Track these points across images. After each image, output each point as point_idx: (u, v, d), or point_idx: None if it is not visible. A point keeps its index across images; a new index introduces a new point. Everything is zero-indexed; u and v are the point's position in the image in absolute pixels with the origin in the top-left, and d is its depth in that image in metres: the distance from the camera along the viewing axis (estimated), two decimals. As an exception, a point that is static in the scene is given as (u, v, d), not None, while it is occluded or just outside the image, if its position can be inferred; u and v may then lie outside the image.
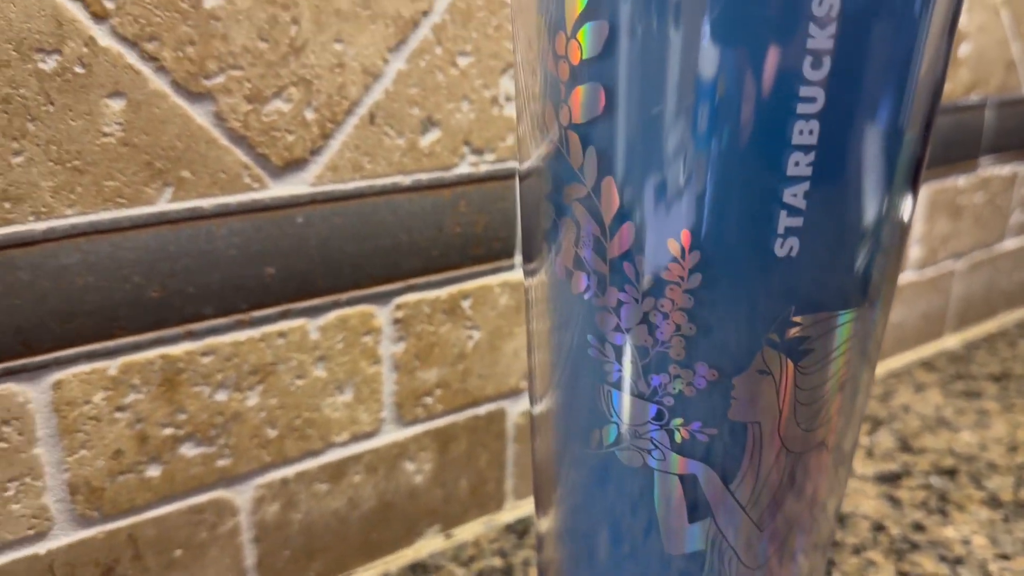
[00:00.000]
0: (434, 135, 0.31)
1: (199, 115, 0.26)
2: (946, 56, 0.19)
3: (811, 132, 0.18)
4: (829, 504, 0.23)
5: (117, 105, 0.25)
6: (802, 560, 0.24)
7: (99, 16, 0.24)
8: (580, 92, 0.19)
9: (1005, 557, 0.35)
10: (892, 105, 0.18)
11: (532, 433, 0.25)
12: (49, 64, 0.24)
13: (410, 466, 0.34)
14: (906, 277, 0.50)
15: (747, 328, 0.19)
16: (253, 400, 0.30)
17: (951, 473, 0.41)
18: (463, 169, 0.32)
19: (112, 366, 0.27)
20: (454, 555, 0.35)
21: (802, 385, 0.20)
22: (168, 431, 0.28)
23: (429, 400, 0.34)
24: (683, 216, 0.19)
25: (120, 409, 0.27)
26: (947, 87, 0.47)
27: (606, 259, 0.20)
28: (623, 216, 0.19)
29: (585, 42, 0.18)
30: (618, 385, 0.21)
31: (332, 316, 0.30)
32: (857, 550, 0.36)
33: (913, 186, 0.20)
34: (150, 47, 0.25)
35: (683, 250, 0.19)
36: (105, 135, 0.25)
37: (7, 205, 0.24)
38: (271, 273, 0.29)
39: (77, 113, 0.24)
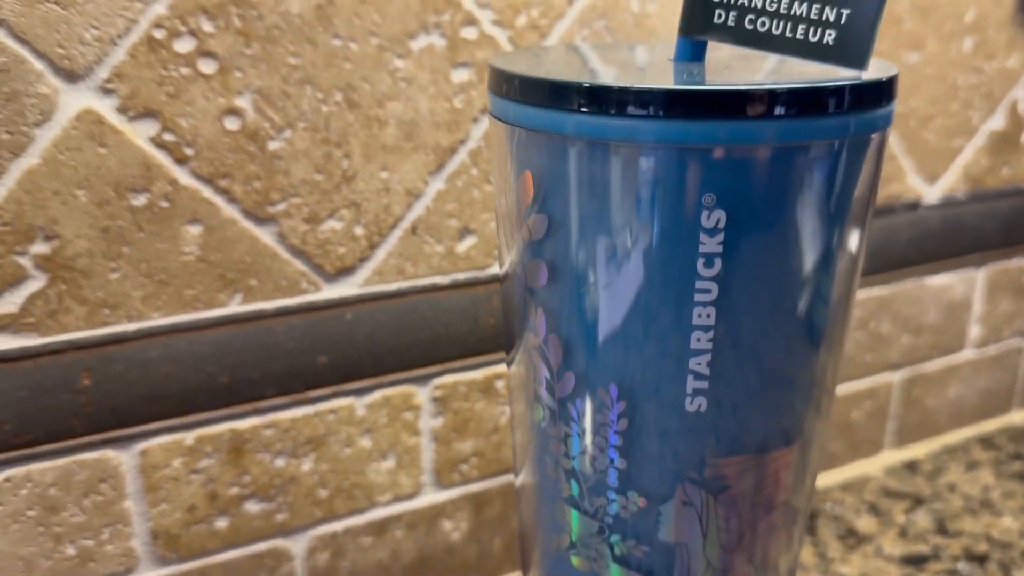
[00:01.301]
0: (470, 241, 0.35)
1: (264, 235, 0.32)
2: (846, 236, 0.22)
3: (708, 316, 0.21)
4: (783, 569, 0.26)
5: (195, 230, 0.31)
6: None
7: (180, 160, 0.30)
8: (530, 264, 0.23)
9: (1013, 651, 0.37)
10: (782, 291, 0.22)
11: (516, 500, 0.29)
12: (140, 200, 0.30)
13: (448, 524, 0.39)
14: (965, 356, 0.51)
15: (669, 466, 0.23)
16: (307, 465, 0.35)
17: (981, 559, 0.42)
18: (496, 269, 0.36)
19: (189, 437, 0.33)
20: (486, 604, 0.39)
21: (723, 515, 0.24)
22: (235, 490, 0.34)
23: (465, 467, 0.38)
24: (611, 372, 0.22)
25: (195, 472, 0.33)
26: (1009, 172, 0.48)
27: (555, 398, 0.24)
28: (566, 366, 0.23)
29: (532, 227, 0.22)
30: (570, 502, 0.25)
31: (377, 395, 0.35)
32: (864, 630, 0.38)
33: (821, 345, 0.23)
34: (223, 183, 0.31)
35: (612, 400, 0.23)
36: (185, 254, 0.31)
37: (106, 311, 0.30)
38: (323, 361, 0.34)
39: (162, 238, 0.30)
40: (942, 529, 0.45)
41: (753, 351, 0.22)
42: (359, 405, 0.35)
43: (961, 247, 0.48)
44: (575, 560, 0.25)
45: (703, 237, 0.20)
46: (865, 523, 0.45)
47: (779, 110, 0.19)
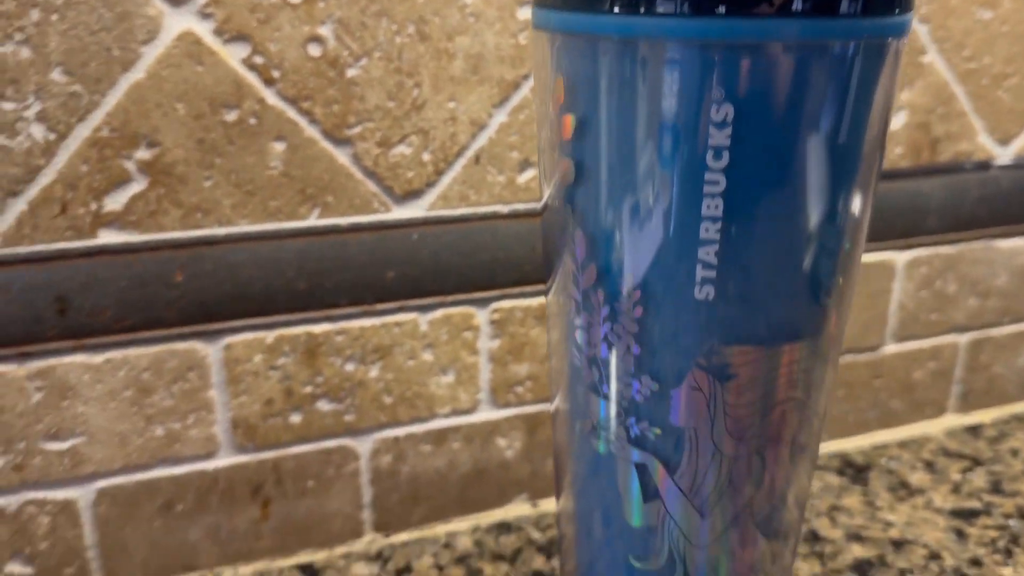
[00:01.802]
0: (530, 173, 0.38)
1: (341, 156, 0.35)
2: (854, 130, 0.24)
3: (717, 207, 0.23)
4: (788, 498, 0.28)
5: (280, 147, 0.34)
6: (763, 545, 0.28)
7: (268, 82, 0.33)
8: (562, 163, 0.25)
9: (1054, 600, 0.37)
10: (789, 188, 0.23)
11: (553, 427, 0.31)
12: (231, 116, 0.33)
13: (502, 442, 0.41)
14: (1038, 324, 0.51)
15: (680, 352, 0.25)
16: (374, 372, 0.38)
17: (1034, 518, 0.42)
18: (556, 202, 0.38)
19: (269, 336, 0.36)
20: (536, 521, 0.42)
21: (730, 402, 0.25)
22: (308, 389, 0.37)
23: (520, 389, 0.41)
24: (628, 264, 0.25)
25: (273, 368, 0.37)
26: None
27: (580, 290, 0.26)
28: (589, 259, 0.25)
29: (565, 126, 0.25)
30: (591, 388, 0.27)
31: (439, 313, 0.38)
32: (903, 572, 0.39)
33: (828, 246, 0.25)
34: (305, 104, 0.34)
35: (629, 288, 0.25)
36: (270, 168, 0.34)
37: (199, 215, 0.34)
38: (391, 276, 0.37)
39: (250, 152, 0.34)
40: (997, 489, 0.45)
41: (760, 245, 0.24)
42: (422, 321, 0.38)
43: (1036, 211, 0.48)
44: (597, 445, 0.28)
45: (712, 130, 0.22)
46: (919, 478, 0.46)
47: (797, 6, 0.21)
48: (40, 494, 0.35)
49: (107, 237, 0.33)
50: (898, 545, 0.40)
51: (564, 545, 0.32)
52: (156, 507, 0.37)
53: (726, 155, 0.22)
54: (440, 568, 0.39)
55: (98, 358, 0.34)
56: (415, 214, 0.37)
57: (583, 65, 0.24)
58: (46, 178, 0.32)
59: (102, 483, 0.36)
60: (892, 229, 0.45)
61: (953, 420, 0.51)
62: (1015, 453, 0.48)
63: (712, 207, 0.23)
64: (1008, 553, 0.40)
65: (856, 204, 0.25)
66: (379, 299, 0.37)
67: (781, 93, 0.22)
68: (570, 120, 0.25)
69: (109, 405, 0.35)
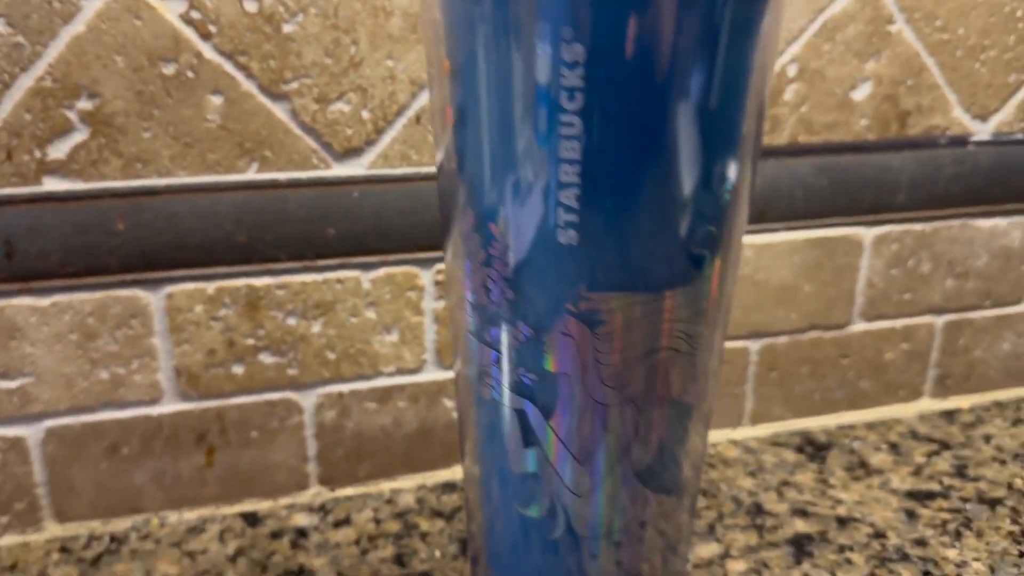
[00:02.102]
0: (473, 135, 0.38)
1: (278, 111, 0.36)
2: (712, 74, 0.23)
3: (574, 149, 0.23)
4: (674, 454, 0.28)
5: (217, 100, 0.35)
6: (650, 499, 0.28)
7: (205, 36, 0.34)
8: (445, 110, 0.26)
9: (995, 584, 0.36)
10: (648, 131, 0.23)
11: (455, 386, 0.32)
12: (169, 69, 0.34)
13: (448, 403, 0.42)
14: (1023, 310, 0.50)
15: (550, 298, 0.25)
16: (316, 328, 0.39)
17: (993, 503, 0.41)
18: (499, 164, 0.39)
19: (210, 287, 0.37)
20: (481, 483, 0.42)
21: (602, 349, 0.26)
22: (250, 341, 0.38)
23: (465, 351, 0.41)
24: (497, 206, 0.25)
25: (214, 319, 0.38)
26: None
27: (461, 235, 0.26)
28: (467, 205, 0.26)
29: (443, 70, 0.25)
30: (476, 335, 0.27)
31: (382, 272, 0.39)
32: (842, 549, 0.38)
33: (694, 194, 0.24)
34: (242, 59, 0.35)
35: (500, 233, 0.25)
36: (208, 121, 0.35)
37: (139, 166, 0.35)
38: (331, 233, 0.38)
39: (188, 104, 0.35)
40: (961, 473, 0.44)
41: (620, 190, 0.24)
42: (365, 279, 0.39)
43: (1019, 190, 0.46)
44: (481, 391, 0.28)
45: (563, 71, 0.22)
46: (880, 459, 0.45)
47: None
48: (-10, 430, 0.37)
49: (51, 184, 0.35)
50: (843, 522, 0.40)
51: (469, 505, 0.32)
52: (102, 449, 0.38)
53: (580, 97, 0.23)
54: (378, 522, 0.40)
55: (44, 301, 0.36)
56: (355, 172, 0.37)
57: (455, 6, 0.24)
58: (-10, 125, 0.33)
59: (50, 423, 0.37)
60: (858, 204, 0.44)
61: (929, 404, 0.50)
62: (988, 439, 0.47)
63: (569, 150, 0.23)
64: (957, 535, 0.39)
65: (726, 153, 0.25)
66: (320, 255, 0.38)
67: (634, 33, 0.22)
68: (447, 65, 0.25)
69: (55, 347, 0.36)
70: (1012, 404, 0.50)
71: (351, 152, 0.37)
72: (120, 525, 0.39)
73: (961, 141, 0.45)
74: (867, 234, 0.45)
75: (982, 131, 0.45)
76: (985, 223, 0.47)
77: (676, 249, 0.25)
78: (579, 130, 0.23)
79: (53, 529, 0.39)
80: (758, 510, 0.41)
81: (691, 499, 0.31)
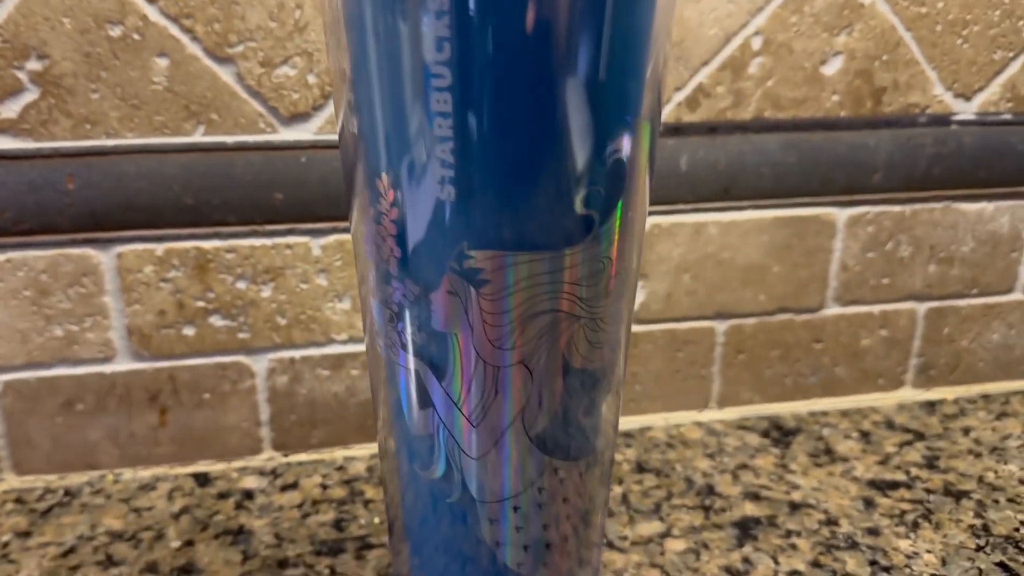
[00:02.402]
0: (422, 103, 0.38)
1: (224, 74, 0.36)
2: (593, 30, 0.23)
3: (446, 102, 0.23)
4: (572, 419, 0.28)
5: (163, 63, 0.36)
6: (547, 466, 0.28)
7: None
8: (338, 70, 0.26)
9: (943, 576, 0.35)
10: (522, 80, 0.23)
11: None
12: (116, 32, 0.35)
13: (401, 373, 0.42)
14: (1015, 298, 0.48)
15: (434, 255, 0.25)
16: (266, 293, 0.39)
17: (959, 496, 0.40)
18: (450, 133, 0.39)
19: (159, 248, 0.38)
20: (433, 454, 0.42)
21: (487, 308, 0.25)
22: (200, 303, 0.39)
23: (418, 321, 0.41)
24: (382, 162, 0.25)
25: (164, 280, 0.38)
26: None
27: (355, 194, 0.26)
28: (361, 161, 0.26)
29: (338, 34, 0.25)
30: (373, 294, 0.27)
31: (332, 239, 0.39)
32: (789, 534, 0.37)
33: (570, 145, 0.24)
34: (187, 22, 0.35)
35: (385, 188, 0.25)
36: (154, 83, 0.36)
37: (87, 126, 0.36)
38: (279, 198, 0.38)
39: (135, 66, 0.35)
40: (931, 464, 0.42)
41: (495, 145, 0.23)
42: (315, 245, 0.39)
43: (1006, 173, 0.45)
44: (381, 350, 0.28)
45: (430, 20, 0.22)
46: (848, 447, 0.44)
47: None
48: (-51, 382, 0.38)
49: (3, 143, 0.35)
50: (795, 507, 0.39)
51: (383, 472, 0.32)
52: (58, 404, 0.39)
53: (447, 47, 0.22)
54: (325, 488, 0.40)
55: (-2, 257, 0.37)
56: (302, 136, 0.38)
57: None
58: (-57, 83, 0.34)
59: (6, 376, 0.38)
60: (831, 183, 0.43)
61: (910, 395, 0.48)
62: (967, 432, 0.45)
63: (441, 102, 0.23)
64: (914, 526, 0.38)
65: (612, 113, 0.24)
66: (268, 220, 0.38)
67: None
68: (341, 21, 0.25)
69: (10, 303, 0.37)
70: (1000, 397, 0.48)
71: (298, 117, 0.37)
72: (76, 480, 0.40)
73: (943, 120, 0.43)
74: (841, 215, 0.44)
75: (965, 110, 0.43)
76: (970, 207, 0.45)
77: (559, 209, 0.25)
78: (449, 82, 0.23)
79: (11, 481, 0.40)
80: (709, 491, 0.40)
81: (603, 470, 0.30)
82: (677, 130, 0.40)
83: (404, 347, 0.27)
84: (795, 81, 0.41)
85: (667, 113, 0.40)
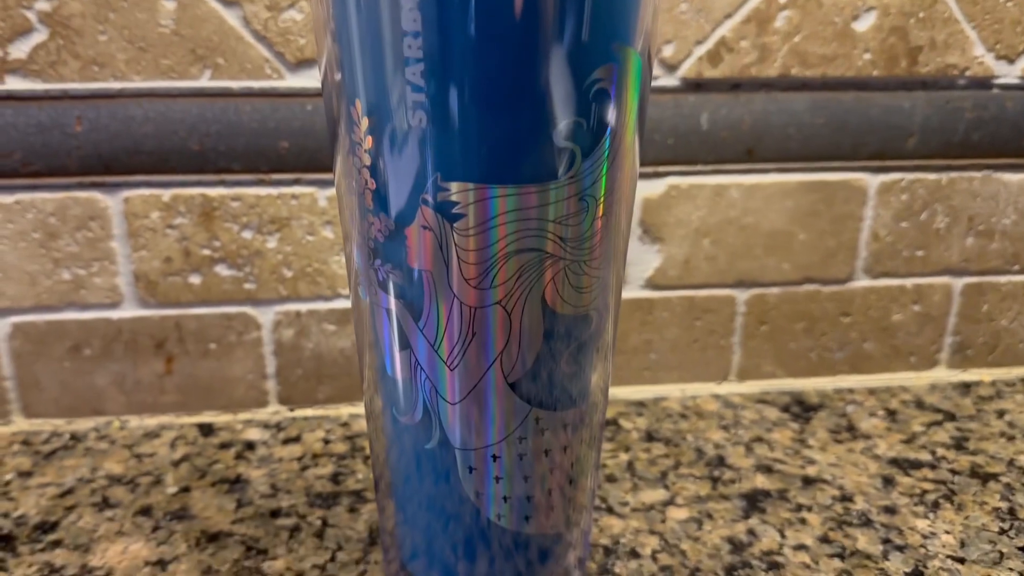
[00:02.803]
0: (431, 52, 0.37)
1: (230, 17, 0.36)
2: None
3: (415, 20, 0.22)
4: (563, 370, 0.27)
5: (170, 5, 0.35)
6: (530, 416, 0.27)
7: (157, -60, 0.35)
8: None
9: (959, 560, 0.33)
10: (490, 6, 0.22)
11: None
12: (122, -28, 0.35)
13: (408, 330, 0.41)
14: (1060, 277, 0.45)
15: (407, 187, 0.24)
16: (272, 244, 0.39)
17: (986, 479, 0.38)
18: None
19: (165, 194, 0.38)
20: (439, 415, 0.41)
21: (462, 245, 0.24)
22: (206, 252, 0.39)
23: (425, 277, 0.40)
24: (357, 87, 0.24)
25: (170, 227, 0.38)
26: None
27: (333, 126, 0.26)
28: (344, 95, 0.25)
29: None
30: (351, 235, 0.27)
31: (339, 190, 0.39)
32: (799, 508, 0.35)
33: (546, 71, 0.23)
34: (194, -36, 0.35)
35: (359, 116, 0.24)
36: (161, 26, 0.36)
37: (95, 68, 0.36)
38: (285, 147, 0.38)
39: (142, 8, 0.35)
40: (960, 446, 0.40)
41: (466, 66, 0.22)
42: (320, 196, 0.39)
43: (1054, 143, 0.42)
44: (362, 291, 0.27)
45: (396, -64, 0.21)
46: (872, 424, 0.42)
47: None
48: (-40, 322, 0.38)
49: (13, 83, 0.36)
50: (808, 482, 0.37)
51: (371, 435, 0.31)
52: (66, 348, 0.39)
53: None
54: (327, 442, 0.40)
55: (8, 199, 0.37)
56: (309, 84, 0.37)
57: None
58: (-46, 21, 0.35)
59: (15, 319, 0.39)
60: (863, 147, 0.41)
61: (944, 375, 0.46)
62: (1001, 414, 0.43)
63: (411, 21, 0.22)
64: (935, 507, 0.36)
65: (595, 39, 0.23)
66: (274, 168, 0.38)
67: None
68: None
69: (19, 245, 0.38)
70: (1041, 381, 0.46)
71: (304, 63, 0.37)
72: (83, 425, 0.40)
73: (983, 84, 0.41)
74: (872, 181, 0.42)
75: (1008, 74, 0.41)
76: (1013, 177, 0.42)
77: (537, 140, 0.24)
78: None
79: (20, 423, 0.40)
80: (719, 462, 0.38)
81: (591, 432, 0.29)
82: (698, 86, 0.39)
83: (383, 287, 0.26)
84: (824, 37, 0.39)
85: (688, 68, 0.39)
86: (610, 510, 0.35)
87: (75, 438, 0.40)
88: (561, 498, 0.29)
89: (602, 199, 0.25)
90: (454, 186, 0.24)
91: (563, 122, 0.23)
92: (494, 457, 0.27)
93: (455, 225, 0.24)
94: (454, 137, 0.23)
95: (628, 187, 0.26)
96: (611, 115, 0.24)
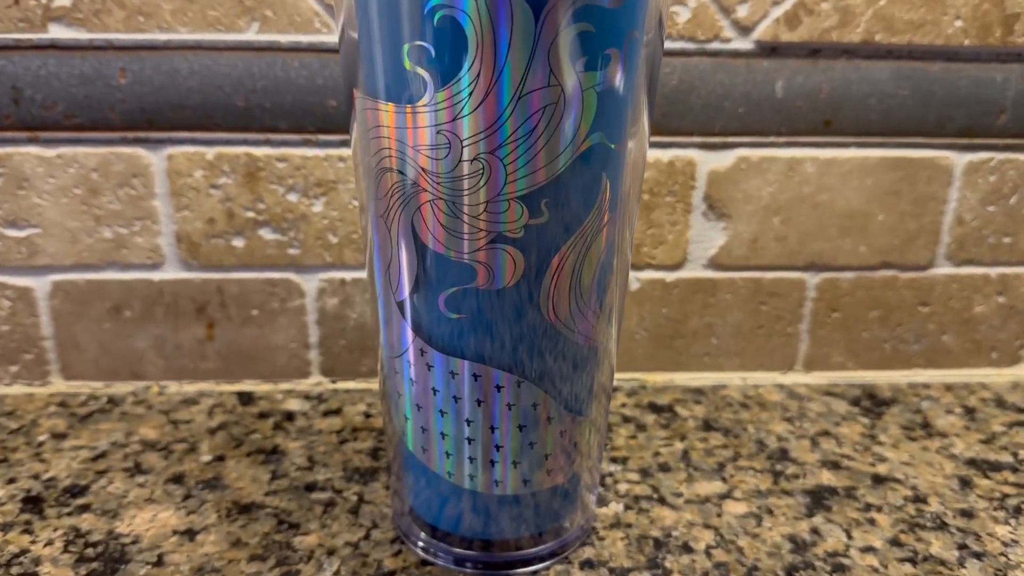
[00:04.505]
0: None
1: (281, -33, 0.34)
2: None
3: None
4: (444, 313, 0.24)
5: (218, -47, 0.34)
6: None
7: None
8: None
9: (1047, 568, 0.30)
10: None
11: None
12: (170, -83, 0.33)
13: (456, 303, 0.39)
14: None
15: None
16: (318, 208, 0.37)
17: (1076, 484, 0.35)
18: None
19: (209, 152, 0.36)
20: (485, 393, 0.39)
21: (358, 158, 0.23)
22: (250, 214, 0.37)
23: (475, 248, 0.38)
24: None
25: (214, 187, 0.37)
26: None
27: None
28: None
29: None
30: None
31: (388, 153, 0.37)
32: (868, 508, 0.33)
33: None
34: (244, -90, 0.33)
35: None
36: (209, -25, 0.34)
37: (140, 19, 0.34)
38: (333, 105, 0.36)
39: (189, -44, 0.34)
40: (1047, 448, 0.37)
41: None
42: (370, 158, 0.37)
43: None
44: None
45: None
46: (949, 422, 0.39)
47: None
48: (1, 278, 0.38)
49: (56, 32, 0.34)
50: (879, 481, 0.34)
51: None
52: (106, 309, 0.38)
53: None
54: (368, 416, 0.38)
55: (50, 152, 0.36)
56: (360, 40, 0.35)
57: None
58: (0, -33, 0.34)
59: (56, 276, 0.38)
60: (949, 122, 0.38)
61: (1029, 372, 0.43)
62: (1094, 417, 0.39)
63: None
64: (1016, 512, 0.33)
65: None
66: (321, 129, 0.36)
67: None
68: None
69: (61, 200, 0.37)
70: None
71: (357, 18, 0.35)
72: (122, 389, 0.39)
73: (1089, 56, 0.37)
74: (959, 160, 0.38)
75: (1118, 45, 0.37)
76: (1117, 160, 0.39)
77: (392, 62, 0.21)
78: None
79: (58, 385, 0.40)
80: (782, 456, 0.36)
81: (533, 396, 0.25)
82: (773, 50, 0.36)
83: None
84: (912, 1, 0.36)
85: (762, 30, 0.36)
86: (662, 500, 0.33)
87: (112, 401, 0.39)
88: (542, 472, 0.27)
89: (476, 139, 0.21)
90: (357, 95, 0.22)
91: (407, 44, 0.21)
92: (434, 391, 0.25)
93: (355, 136, 0.23)
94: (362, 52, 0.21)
95: (552, 140, 0.22)
96: (462, 48, 0.21)
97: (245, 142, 0.36)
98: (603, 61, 0.21)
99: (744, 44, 0.36)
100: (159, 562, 0.28)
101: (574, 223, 0.23)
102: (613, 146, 0.23)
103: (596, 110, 0.22)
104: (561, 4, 0.20)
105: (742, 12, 0.36)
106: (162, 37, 0.35)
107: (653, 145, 0.37)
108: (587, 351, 0.25)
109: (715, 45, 0.36)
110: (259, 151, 0.36)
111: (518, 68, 0.20)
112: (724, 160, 0.38)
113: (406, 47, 0.21)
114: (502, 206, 0.22)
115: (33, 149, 0.36)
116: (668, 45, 0.36)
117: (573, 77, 0.21)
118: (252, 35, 0.35)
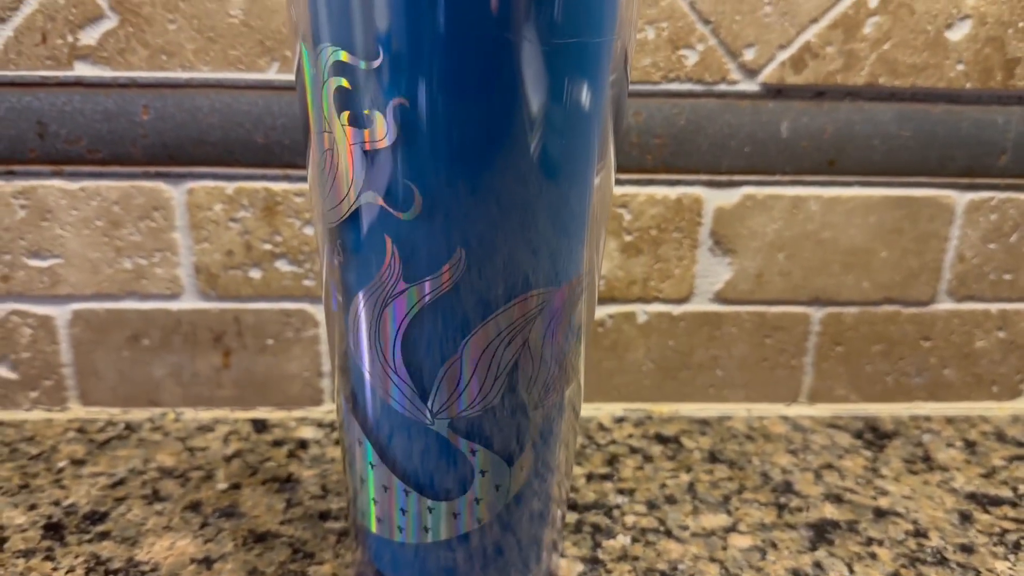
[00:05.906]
0: (503, 50, 0.36)
1: (301, 10, 0.35)
2: None
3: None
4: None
5: (240, -5, 0.35)
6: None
7: (230, -71, 0.34)
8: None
9: (1044, 605, 0.31)
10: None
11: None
12: (195, -39, 0.34)
13: (467, 334, 0.40)
14: None
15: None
16: (333, 241, 0.38)
17: (1074, 519, 0.35)
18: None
19: (229, 187, 0.37)
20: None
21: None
22: (267, 247, 0.38)
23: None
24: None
25: (233, 220, 0.38)
26: None
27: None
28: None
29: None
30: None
31: (402, 188, 0.38)
32: (870, 542, 0.34)
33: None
34: (266, -45, 0.34)
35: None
36: (231, 16, 0.35)
37: (164, 57, 0.35)
38: (350, 142, 0.37)
39: (212, -2, 0.35)
40: (1046, 483, 0.38)
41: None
42: (385, 193, 0.38)
43: None
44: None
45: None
46: (949, 456, 0.40)
47: None
48: (23, 306, 0.39)
49: (82, 70, 0.36)
50: (880, 514, 0.35)
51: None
52: (125, 337, 0.39)
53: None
54: (379, 446, 0.39)
55: (74, 185, 0.37)
56: (377, 80, 0.36)
57: None
58: (28, 7, 0.35)
59: (77, 305, 0.39)
60: (951, 162, 0.39)
61: (1030, 406, 0.43)
62: (1093, 452, 0.40)
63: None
64: (1016, 548, 0.34)
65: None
66: (338, 164, 0.37)
67: None
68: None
69: (83, 232, 0.38)
70: None
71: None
72: (138, 415, 0.40)
73: (1088, 99, 0.38)
74: (960, 199, 0.39)
75: (1117, 89, 0.38)
76: (1115, 200, 0.40)
77: None
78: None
79: (77, 411, 0.40)
80: (786, 488, 0.37)
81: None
82: (779, 92, 0.37)
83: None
84: (915, 45, 0.37)
85: (768, 73, 0.37)
86: (668, 533, 0.33)
87: (130, 428, 0.40)
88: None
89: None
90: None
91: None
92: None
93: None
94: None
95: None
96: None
97: (264, 177, 0.37)
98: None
99: (750, 86, 0.37)
100: (179, 592, 0.29)
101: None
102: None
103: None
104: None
105: (749, 56, 0.37)
106: (184, 75, 0.36)
107: (661, 183, 0.38)
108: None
109: (722, 87, 0.37)
110: (277, 186, 0.37)
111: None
112: (730, 198, 0.39)
113: None
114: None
115: (57, 182, 0.37)
116: (676, 87, 0.37)
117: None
118: (272, 74, 0.36)
